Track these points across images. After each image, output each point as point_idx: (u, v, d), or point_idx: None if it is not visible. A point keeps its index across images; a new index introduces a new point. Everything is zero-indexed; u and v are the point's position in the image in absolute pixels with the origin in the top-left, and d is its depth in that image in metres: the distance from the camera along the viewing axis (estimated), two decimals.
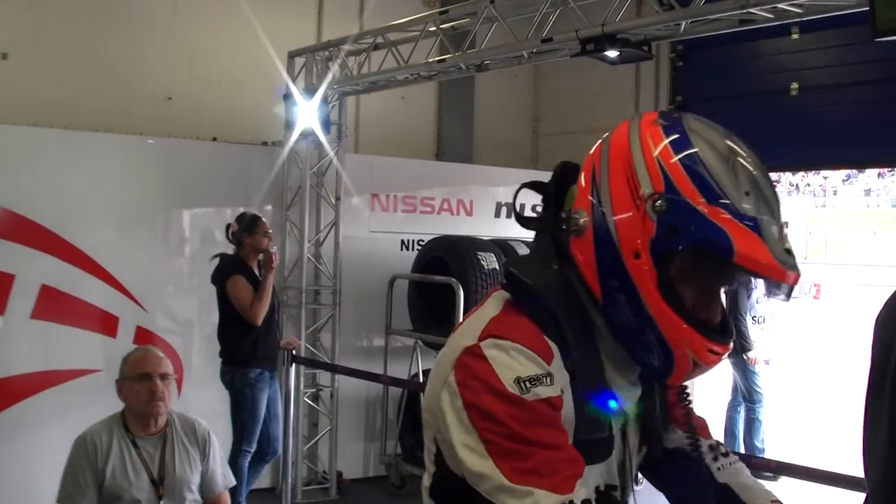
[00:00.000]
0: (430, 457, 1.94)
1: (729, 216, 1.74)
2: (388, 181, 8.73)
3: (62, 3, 8.03)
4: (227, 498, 4.60)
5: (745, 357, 9.09)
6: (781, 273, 1.78)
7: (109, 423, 4.32)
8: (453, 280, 7.61)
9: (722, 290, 1.92)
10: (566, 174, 1.99)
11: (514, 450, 1.73)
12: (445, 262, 7.98)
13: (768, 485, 7.42)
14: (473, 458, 1.75)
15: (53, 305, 7.20)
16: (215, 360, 7.02)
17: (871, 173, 43.06)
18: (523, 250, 8.14)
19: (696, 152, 1.80)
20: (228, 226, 7.13)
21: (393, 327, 8.40)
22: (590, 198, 1.85)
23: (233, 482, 4.69)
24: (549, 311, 1.84)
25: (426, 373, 7.99)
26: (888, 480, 2.65)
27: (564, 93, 10.51)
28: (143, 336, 7.38)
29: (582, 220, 1.85)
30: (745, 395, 9.23)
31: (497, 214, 9.24)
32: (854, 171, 43.17)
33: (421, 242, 8.38)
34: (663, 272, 1.78)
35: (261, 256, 7.04)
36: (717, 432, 9.21)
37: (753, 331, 9.12)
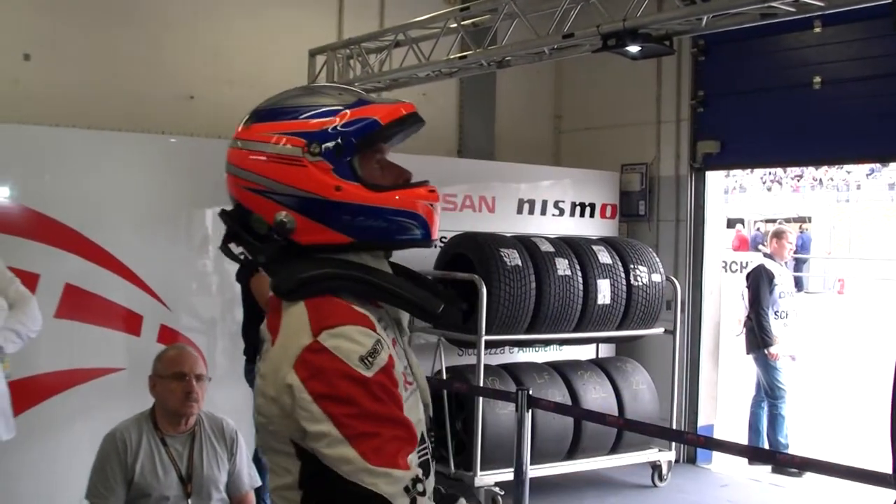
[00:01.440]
0: (286, 459, 2.08)
1: (353, 109, 2.16)
2: None
3: (83, 3, 8.05)
4: (252, 497, 4.62)
5: (766, 353, 9.05)
6: (409, 106, 2.22)
7: (139, 421, 4.34)
8: (476, 276, 7.61)
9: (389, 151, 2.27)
10: (231, 216, 2.25)
11: (367, 430, 1.93)
12: (468, 258, 7.99)
13: (793, 481, 7.42)
14: (333, 445, 1.93)
15: (77, 304, 7.22)
16: (240, 359, 7.03)
17: None
18: (546, 246, 8.13)
19: (291, 107, 2.18)
20: None
21: (416, 324, 8.41)
22: (273, 202, 2.13)
23: (258, 482, 4.70)
24: (344, 279, 2.10)
25: (449, 370, 8.01)
26: None
27: (586, 89, 10.50)
28: (167, 335, 7.39)
29: (286, 219, 2.12)
30: (768, 391, 9.21)
31: (519, 211, 9.23)
32: (878, 165, 42.94)
33: (444, 239, 8.38)
34: (360, 180, 2.13)
35: None
36: (742, 428, 9.25)
37: (776, 326, 9.09)
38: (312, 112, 2.15)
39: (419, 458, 2.06)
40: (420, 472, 1.99)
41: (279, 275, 2.15)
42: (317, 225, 2.12)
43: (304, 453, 2.03)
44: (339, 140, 2.12)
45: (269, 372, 2.07)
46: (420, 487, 1.96)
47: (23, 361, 6.71)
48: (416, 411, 2.14)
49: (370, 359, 1.97)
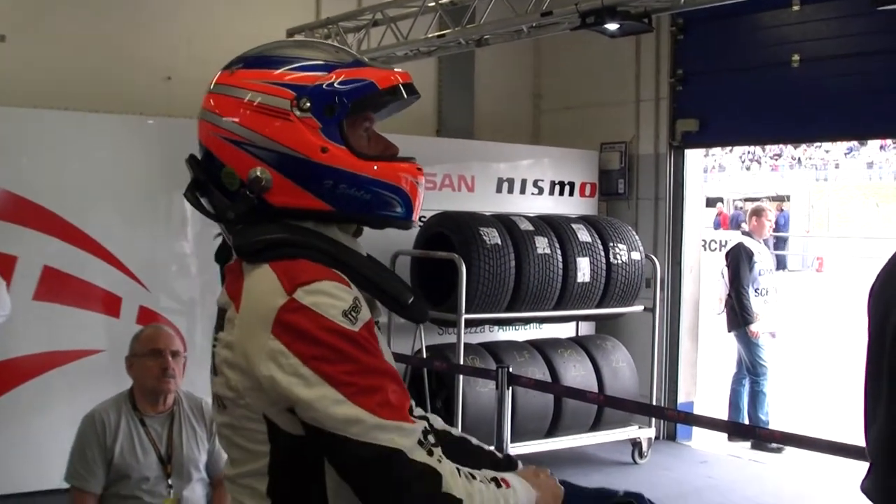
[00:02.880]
0: (255, 440, 1.95)
1: (349, 69, 2.04)
2: None
3: None
4: None
5: (747, 330, 9.10)
6: (405, 75, 2.11)
7: (117, 402, 4.33)
8: (456, 256, 7.61)
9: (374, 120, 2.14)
10: (199, 164, 2.11)
11: (368, 385, 1.83)
12: (448, 237, 7.98)
13: (773, 457, 7.47)
14: (336, 408, 1.81)
15: (56, 286, 7.19)
16: None
17: (874, 146, 42.91)
18: (526, 225, 8.14)
19: (280, 55, 2.07)
20: None
21: None
22: (250, 155, 1.99)
23: None
24: (314, 251, 1.96)
25: (430, 349, 8.01)
26: (889, 447, 2.66)
27: (565, 68, 10.48)
28: (147, 316, 7.36)
29: (262, 175, 1.99)
30: (749, 368, 9.25)
31: (499, 190, 9.23)
32: (856, 144, 43.10)
33: (423, 219, 8.36)
34: (348, 145, 2.01)
35: None
36: (722, 406, 9.29)
37: (756, 303, 9.13)
38: (306, 65, 2.03)
39: None
40: (426, 423, 1.92)
41: (244, 234, 1.99)
42: (295, 186, 1.99)
43: (277, 433, 1.92)
44: (332, 98, 2.00)
45: (238, 341, 1.93)
46: (432, 439, 1.89)
47: (2, 344, 6.69)
48: None
49: (353, 313, 1.86)
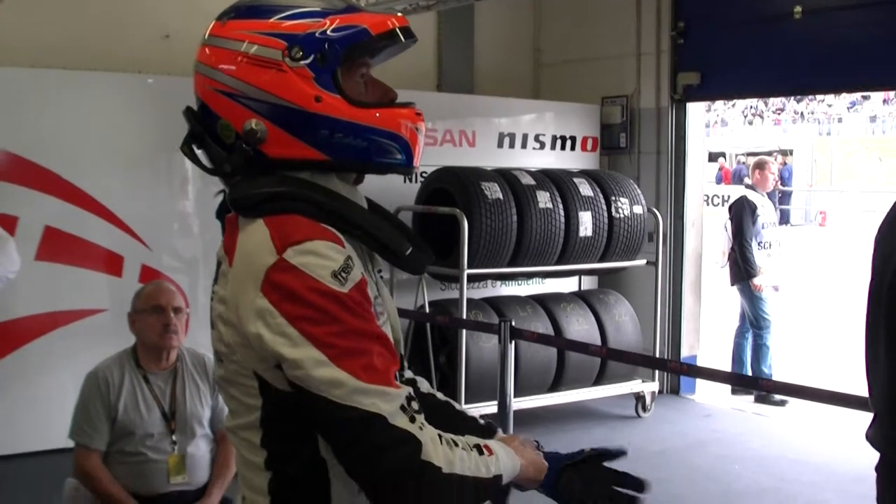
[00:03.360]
0: (248, 394, 1.95)
1: (342, 15, 1.99)
2: None
3: None
4: None
5: (750, 284, 9.08)
6: (402, 19, 2.07)
7: (120, 359, 4.34)
8: (458, 211, 7.59)
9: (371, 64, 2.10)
10: (195, 116, 2.07)
11: (353, 348, 1.81)
12: (449, 193, 7.96)
13: (777, 410, 7.48)
14: (319, 369, 1.80)
15: (58, 246, 7.19)
16: None
17: (877, 100, 42.74)
18: (527, 179, 8.11)
19: (271, 4, 2.01)
20: None
21: None
22: (244, 107, 1.96)
23: None
24: (309, 203, 1.93)
25: (433, 304, 8.02)
26: (892, 400, 2.68)
27: (565, 22, 10.41)
28: (149, 275, 7.36)
29: (256, 127, 1.96)
30: (753, 322, 9.25)
31: (500, 145, 9.19)
32: (859, 98, 42.91)
33: (424, 174, 8.35)
34: (342, 93, 1.97)
35: None
36: (724, 360, 9.31)
37: (759, 257, 9.10)
38: (297, 12, 1.98)
39: None
40: (410, 389, 1.90)
41: (239, 188, 1.97)
42: (289, 137, 1.96)
43: (267, 389, 1.91)
44: (324, 46, 1.95)
45: (230, 296, 1.93)
46: (415, 406, 1.87)
47: (4, 305, 6.70)
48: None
49: (343, 274, 1.83)
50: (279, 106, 1.95)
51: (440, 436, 1.88)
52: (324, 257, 1.84)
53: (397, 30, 2.05)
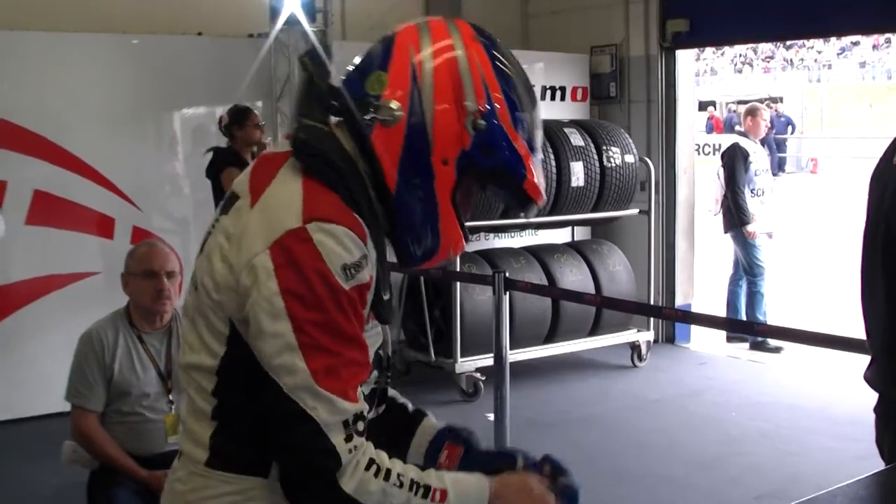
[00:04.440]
0: (214, 337, 1.89)
1: (526, 147, 1.94)
2: None
3: None
4: None
5: (744, 231, 9.06)
6: (541, 197, 2.01)
7: (114, 319, 4.30)
8: None
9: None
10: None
11: (326, 345, 1.76)
12: None
13: (772, 357, 7.49)
14: (282, 351, 1.76)
15: (48, 210, 7.16)
16: None
17: (866, 46, 42.69)
18: None
19: (513, 80, 1.95)
20: (221, 119, 7.08)
21: None
22: (409, 94, 1.89)
23: None
24: (351, 188, 1.86)
25: None
26: (889, 342, 2.68)
27: None
28: (140, 236, 7.32)
29: (397, 112, 1.88)
30: (746, 269, 9.23)
31: None
32: (848, 44, 42.83)
33: None
34: (461, 181, 1.92)
35: (255, 149, 7.00)
36: (718, 308, 9.31)
37: (752, 204, 9.07)
38: (513, 92, 1.94)
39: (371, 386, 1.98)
40: (366, 408, 1.83)
41: (311, 131, 1.91)
42: (397, 148, 1.89)
43: (236, 339, 1.85)
44: (495, 142, 1.90)
45: (238, 237, 1.85)
46: (360, 426, 1.80)
47: None
48: (373, 344, 1.93)
49: (353, 271, 1.77)
50: (422, 125, 1.89)
51: (378, 466, 1.83)
52: (342, 245, 1.78)
53: (532, 202, 2.01)
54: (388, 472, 1.84)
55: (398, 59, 1.92)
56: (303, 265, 1.75)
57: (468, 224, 2.05)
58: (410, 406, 2.27)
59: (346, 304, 1.78)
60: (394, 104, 1.88)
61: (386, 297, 1.95)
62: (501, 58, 1.96)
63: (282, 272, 1.75)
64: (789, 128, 33.11)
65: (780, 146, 30.69)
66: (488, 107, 1.89)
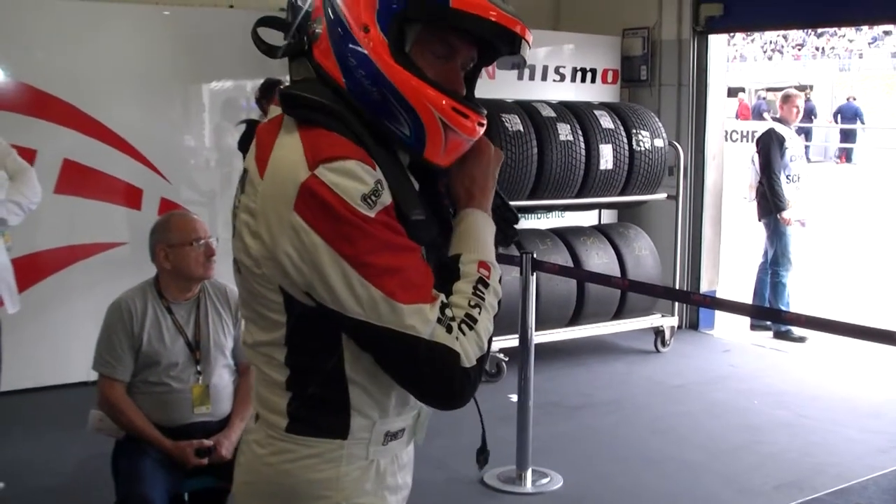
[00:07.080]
0: (272, 309, 1.93)
1: None
2: None
3: None
4: None
5: (779, 218, 8.98)
6: (505, 17, 1.92)
7: (143, 290, 4.32)
8: None
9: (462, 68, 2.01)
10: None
11: (387, 266, 1.80)
12: None
13: (796, 346, 7.41)
14: (354, 290, 1.79)
15: (77, 180, 7.18)
16: None
17: None
18: (548, 111, 8.03)
19: None
20: (256, 92, 7.10)
21: None
22: (325, 6, 1.94)
23: None
24: (346, 120, 1.89)
25: None
26: None
27: None
28: (168, 207, 7.33)
29: (318, 27, 1.95)
30: (775, 259, 9.15)
31: (520, 77, 9.07)
32: (881, 33, 42.43)
33: None
34: (395, 41, 1.87)
35: None
36: (745, 295, 9.25)
37: (788, 190, 8.99)
38: None
39: None
40: (444, 295, 1.87)
41: (297, 86, 1.97)
42: (329, 49, 1.93)
43: (293, 304, 1.89)
44: None
45: (261, 209, 1.88)
46: (449, 312, 1.85)
47: (24, 238, 6.70)
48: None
49: (373, 198, 1.80)
50: (337, 16, 1.92)
51: (468, 316, 1.88)
52: (355, 178, 1.80)
53: (490, 23, 1.91)
54: (471, 310, 1.89)
55: None
56: (330, 209, 1.78)
57: None
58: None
59: (382, 226, 1.80)
60: (318, 20, 1.96)
61: (414, 218, 1.89)
62: None
63: (315, 224, 1.79)
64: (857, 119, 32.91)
65: (808, 135, 30.49)
66: None
